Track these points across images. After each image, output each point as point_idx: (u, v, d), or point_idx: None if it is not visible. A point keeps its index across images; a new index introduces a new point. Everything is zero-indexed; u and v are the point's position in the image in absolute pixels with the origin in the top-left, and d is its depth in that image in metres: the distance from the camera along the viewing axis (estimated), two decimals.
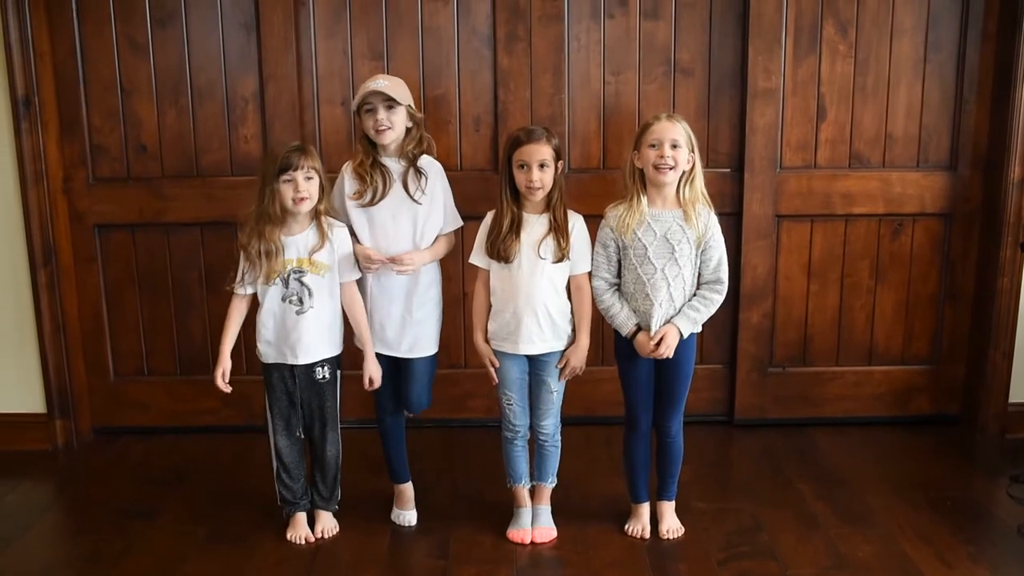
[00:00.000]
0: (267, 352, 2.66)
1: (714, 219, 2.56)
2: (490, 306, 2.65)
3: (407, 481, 2.86)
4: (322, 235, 2.58)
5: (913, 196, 3.41)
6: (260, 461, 2.94)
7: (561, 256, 2.55)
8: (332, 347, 2.68)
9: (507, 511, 2.78)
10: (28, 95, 3.22)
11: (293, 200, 2.51)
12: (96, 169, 3.39)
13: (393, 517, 2.85)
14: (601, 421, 3.42)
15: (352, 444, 3.01)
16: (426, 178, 2.64)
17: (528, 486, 2.75)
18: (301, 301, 2.60)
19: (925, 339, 3.55)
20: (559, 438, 2.72)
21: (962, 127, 3.37)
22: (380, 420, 2.81)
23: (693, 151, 2.51)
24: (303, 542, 2.71)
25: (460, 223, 2.74)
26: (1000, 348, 3.40)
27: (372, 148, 2.63)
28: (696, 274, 2.56)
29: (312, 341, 2.62)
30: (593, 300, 2.61)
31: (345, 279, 2.63)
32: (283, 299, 2.60)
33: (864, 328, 3.54)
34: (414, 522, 2.83)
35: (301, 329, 2.60)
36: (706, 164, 3.00)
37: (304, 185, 2.52)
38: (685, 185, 2.53)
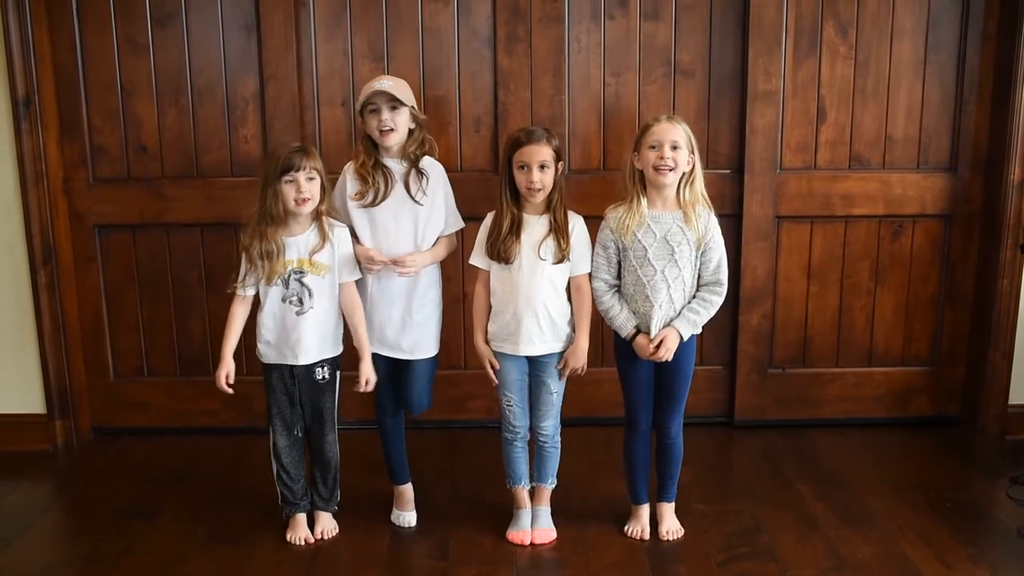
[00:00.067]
0: (267, 353, 2.66)
1: (714, 220, 2.56)
2: (490, 307, 2.65)
3: (407, 482, 2.86)
4: (323, 236, 2.58)
5: (913, 197, 3.41)
6: (260, 462, 2.94)
7: (561, 257, 2.55)
8: (332, 348, 2.68)
9: (507, 512, 2.78)
10: (28, 95, 3.23)
11: (295, 201, 2.52)
12: (96, 169, 3.39)
13: (393, 518, 2.85)
14: (601, 422, 3.42)
15: (352, 445, 3.02)
16: (428, 179, 2.64)
17: (528, 487, 2.75)
18: (301, 302, 2.60)
19: (925, 340, 3.55)
20: (559, 439, 2.72)
21: (962, 128, 3.37)
22: (380, 421, 2.81)
23: (693, 152, 2.51)
24: (303, 543, 2.71)
25: (461, 224, 2.74)
26: (1000, 349, 3.40)
27: (374, 149, 2.63)
28: (696, 276, 2.56)
29: (312, 342, 2.62)
30: (593, 301, 2.61)
31: (345, 279, 2.63)
32: (283, 300, 2.60)
33: (864, 329, 3.54)
34: (414, 523, 2.83)
35: (301, 330, 2.60)
36: (706, 165, 3.01)
37: (306, 186, 2.52)
38: (685, 186, 2.53)
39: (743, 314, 3.47)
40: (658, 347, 2.52)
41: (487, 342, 2.66)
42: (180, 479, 3.17)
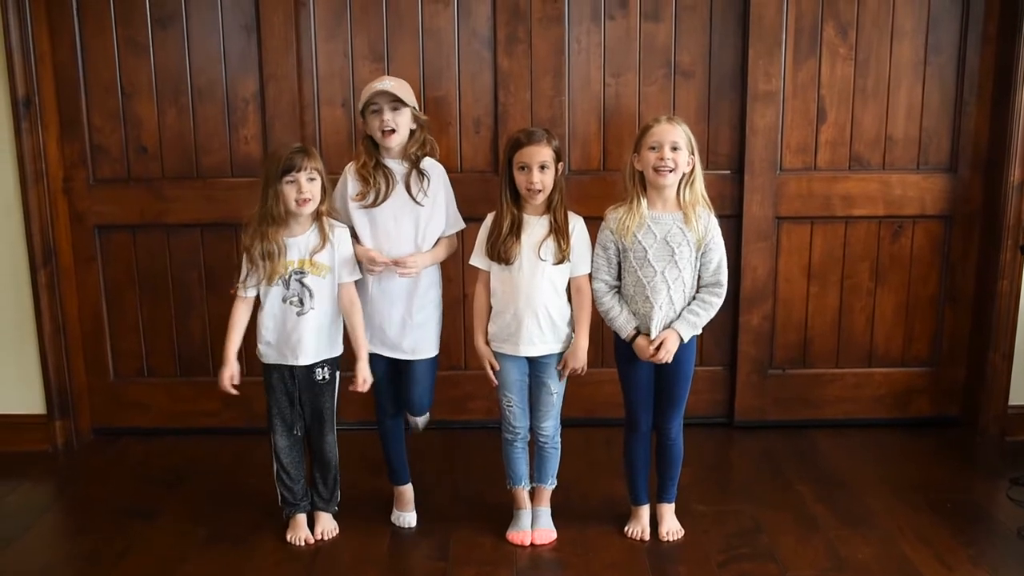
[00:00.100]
0: (267, 353, 2.66)
1: (714, 221, 2.56)
2: (490, 308, 2.65)
3: (407, 483, 2.86)
4: (323, 236, 2.58)
5: (913, 198, 3.41)
6: (260, 462, 2.94)
7: (561, 258, 2.55)
8: (332, 348, 2.68)
9: (507, 513, 2.77)
10: (28, 95, 3.23)
11: (296, 201, 2.52)
12: (96, 170, 3.39)
13: (393, 519, 2.85)
14: (601, 423, 3.42)
15: (352, 446, 3.02)
16: (429, 180, 2.64)
17: (528, 488, 2.75)
18: (302, 302, 2.60)
19: (925, 341, 3.55)
20: (559, 440, 2.72)
21: (962, 129, 3.37)
22: (380, 422, 2.81)
23: (693, 153, 2.51)
24: (303, 543, 2.71)
25: (462, 225, 2.74)
26: (1000, 350, 3.40)
27: (375, 149, 2.64)
28: (696, 277, 2.56)
29: (312, 342, 2.62)
30: (593, 302, 2.61)
31: (344, 280, 2.63)
32: (283, 300, 2.60)
33: (864, 330, 3.54)
34: (414, 524, 2.83)
35: (302, 330, 2.60)
36: (706, 166, 3.01)
37: (307, 186, 2.52)
38: (685, 187, 2.53)
39: (743, 315, 3.48)
40: (658, 349, 2.52)
41: (487, 343, 2.66)
42: (180, 479, 3.17)
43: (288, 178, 2.51)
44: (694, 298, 2.56)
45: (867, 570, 2.53)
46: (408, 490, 2.86)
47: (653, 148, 2.47)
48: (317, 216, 2.59)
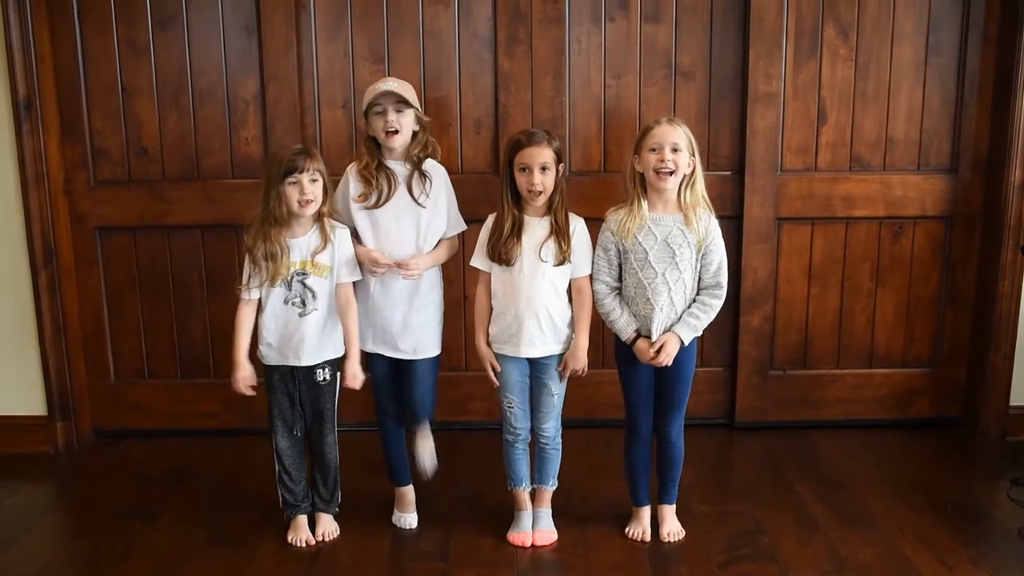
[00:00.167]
0: (269, 354, 2.66)
1: (715, 223, 2.56)
2: (491, 309, 2.65)
3: (408, 484, 2.86)
4: (324, 237, 2.59)
5: (914, 199, 3.41)
6: (260, 463, 2.94)
7: (562, 259, 2.55)
8: (334, 349, 2.68)
9: (508, 514, 2.77)
10: (29, 97, 3.23)
11: (299, 203, 2.52)
12: (97, 171, 3.39)
13: (394, 520, 2.85)
14: (602, 424, 3.42)
15: (353, 447, 3.02)
16: (430, 182, 2.64)
17: (529, 489, 2.75)
18: (304, 303, 2.60)
19: (926, 342, 3.55)
20: (560, 441, 2.72)
21: (963, 130, 3.37)
22: (381, 423, 2.80)
23: (694, 155, 2.51)
24: (304, 545, 2.71)
25: (463, 227, 2.74)
26: (1001, 351, 3.40)
27: (377, 150, 2.64)
28: (696, 278, 2.56)
29: (315, 343, 2.62)
30: (594, 303, 2.61)
31: (343, 280, 2.63)
32: (285, 301, 2.61)
33: (865, 331, 3.54)
34: (415, 525, 2.83)
35: (304, 331, 2.61)
36: (707, 167, 3.00)
37: (309, 188, 2.52)
38: (686, 189, 2.53)
39: (744, 316, 3.48)
40: (658, 352, 2.52)
41: (488, 344, 2.66)
42: (181, 481, 3.17)
43: (291, 179, 2.51)
44: (694, 300, 2.56)
45: (868, 571, 2.53)
46: (409, 491, 2.86)
47: (653, 150, 2.48)
48: (318, 217, 2.60)
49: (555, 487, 2.76)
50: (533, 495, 2.77)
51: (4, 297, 3.38)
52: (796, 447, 3.40)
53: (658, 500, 2.75)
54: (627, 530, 2.74)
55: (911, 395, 3.57)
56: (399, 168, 2.63)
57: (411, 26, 3.29)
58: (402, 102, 2.56)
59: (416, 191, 2.62)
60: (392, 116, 2.56)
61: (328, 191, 2.60)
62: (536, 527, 2.73)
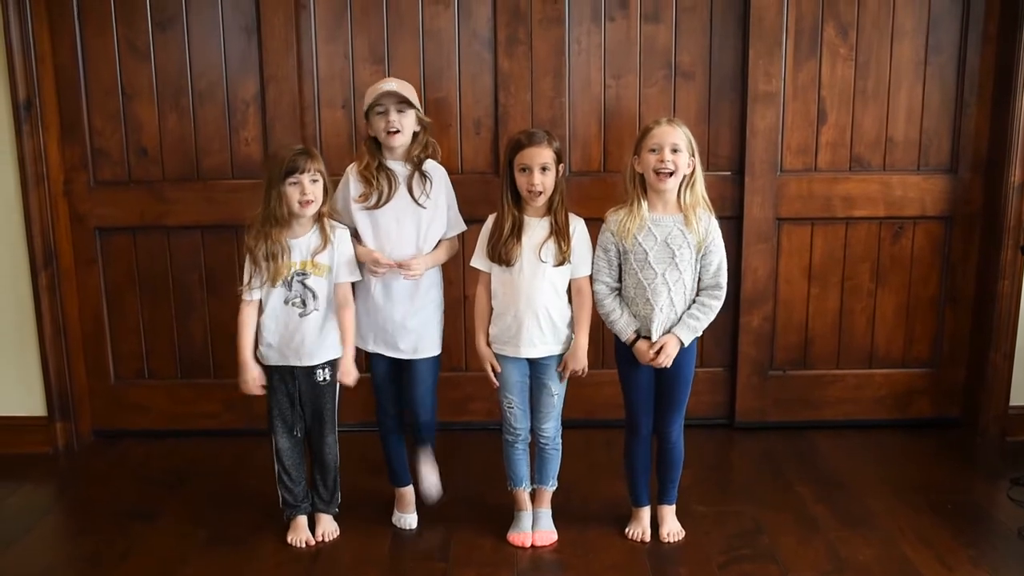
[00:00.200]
0: (268, 355, 2.66)
1: (714, 223, 2.56)
2: (491, 309, 2.65)
3: (408, 484, 2.86)
4: (324, 237, 2.59)
5: (914, 199, 3.41)
6: (260, 464, 2.94)
7: (562, 259, 2.55)
8: (334, 349, 2.67)
9: (507, 514, 2.78)
10: (29, 98, 3.23)
11: (299, 203, 2.52)
12: (97, 172, 3.39)
13: (394, 520, 2.85)
14: (602, 424, 3.42)
15: (353, 447, 3.02)
16: (431, 182, 2.64)
17: (529, 489, 2.75)
18: (304, 303, 2.60)
19: (926, 342, 3.55)
20: (560, 441, 2.72)
21: (963, 130, 3.37)
22: (381, 423, 2.80)
23: (693, 155, 2.51)
24: (304, 545, 2.71)
25: (463, 227, 2.74)
26: (1001, 351, 3.40)
27: (378, 151, 2.64)
28: (696, 279, 2.56)
29: (315, 343, 2.62)
30: (594, 304, 2.61)
31: (342, 279, 2.63)
32: (285, 302, 2.61)
33: (865, 331, 3.54)
34: (415, 525, 2.83)
35: (304, 331, 2.61)
36: (707, 167, 3.00)
37: (310, 188, 2.53)
38: (686, 189, 2.53)
39: (744, 316, 3.48)
40: (658, 353, 2.52)
41: (488, 344, 2.66)
42: (181, 481, 3.17)
43: (291, 180, 2.51)
44: (694, 302, 2.56)
45: (868, 571, 2.53)
46: (409, 491, 2.86)
47: (653, 150, 2.48)
48: (318, 217, 2.60)
49: (555, 487, 2.76)
50: (533, 495, 2.77)
51: (4, 297, 3.38)
52: (796, 447, 3.40)
53: (658, 500, 2.75)
54: (627, 530, 2.74)
55: (911, 395, 3.57)
56: (400, 168, 2.64)
57: (411, 26, 3.29)
58: (404, 102, 2.57)
59: (416, 192, 2.63)
60: (394, 116, 2.56)
61: (328, 191, 2.60)
62: (536, 527, 2.73)
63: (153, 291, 3.48)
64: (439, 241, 2.69)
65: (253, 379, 2.63)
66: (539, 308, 2.55)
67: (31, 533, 2.84)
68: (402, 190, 2.63)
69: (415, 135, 2.64)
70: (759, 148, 3.35)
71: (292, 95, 3.30)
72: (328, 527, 2.77)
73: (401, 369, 2.73)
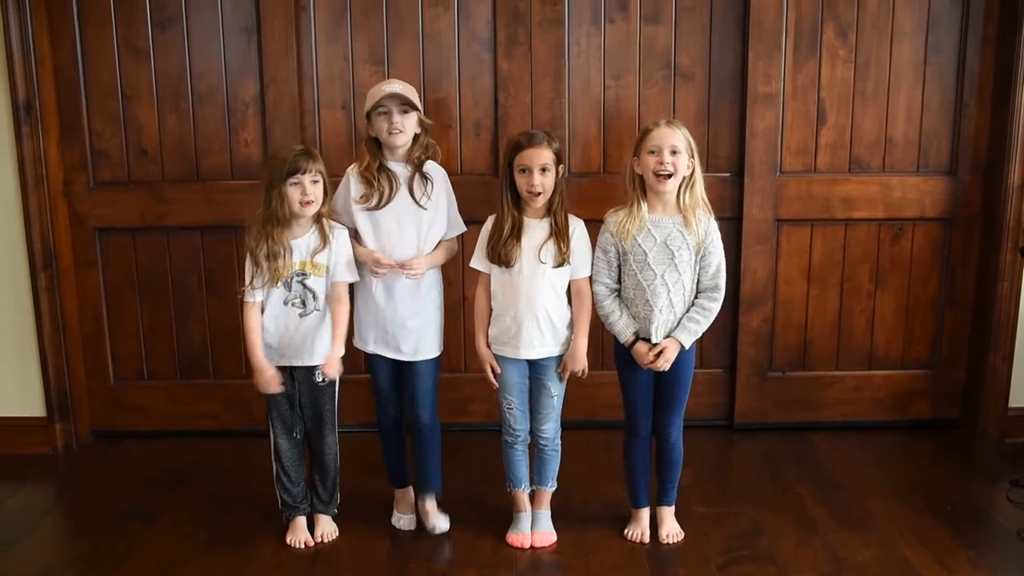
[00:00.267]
0: (268, 355, 2.65)
1: (714, 225, 2.56)
2: (491, 310, 2.65)
3: (408, 485, 2.86)
4: (324, 237, 2.59)
5: (913, 200, 3.41)
6: (260, 464, 2.94)
7: (562, 260, 2.55)
8: None
9: (507, 515, 2.78)
10: (29, 99, 3.23)
11: (300, 203, 2.53)
12: (97, 173, 3.39)
13: (393, 521, 2.85)
14: (601, 425, 3.43)
15: (352, 448, 3.02)
16: (432, 184, 2.65)
17: (528, 490, 2.75)
18: (304, 304, 2.61)
19: (925, 343, 3.55)
20: (559, 442, 2.72)
21: (962, 131, 3.37)
22: (381, 425, 2.81)
23: (693, 156, 2.51)
24: (302, 546, 2.71)
25: (463, 228, 2.74)
26: (1000, 352, 3.40)
27: (379, 151, 2.64)
28: (696, 280, 2.56)
29: (315, 343, 2.62)
30: (594, 305, 2.61)
31: (338, 279, 2.63)
32: (285, 302, 2.61)
33: (864, 332, 3.54)
34: (414, 526, 2.83)
35: (304, 331, 2.61)
36: (706, 168, 3.00)
37: (311, 188, 2.53)
38: (685, 191, 2.53)
39: (743, 317, 3.48)
40: (657, 356, 2.52)
41: (488, 345, 2.66)
42: (180, 482, 3.17)
43: (292, 180, 2.52)
44: (693, 304, 2.56)
45: (867, 572, 2.53)
46: (408, 493, 2.86)
47: (652, 152, 2.48)
48: (317, 218, 2.60)
49: (554, 488, 2.76)
50: (532, 496, 2.77)
51: (4, 298, 3.38)
52: (795, 449, 3.40)
53: (657, 502, 2.75)
54: (626, 532, 2.74)
55: (910, 397, 3.57)
56: (400, 170, 2.64)
57: (411, 28, 3.29)
58: (407, 104, 2.57)
59: (417, 193, 2.63)
60: (397, 118, 2.57)
61: (328, 192, 2.60)
62: (535, 528, 2.73)
63: (152, 292, 3.48)
64: (439, 242, 2.69)
65: (272, 378, 2.61)
66: (539, 309, 2.56)
67: (31, 534, 2.84)
68: (403, 191, 2.63)
69: (416, 137, 2.64)
70: (758, 149, 3.35)
71: (292, 96, 3.30)
72: (327, 528, 2.77)
73: (401, 370, 2.73)
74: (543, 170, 2.50)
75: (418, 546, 2.73)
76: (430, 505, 2.79)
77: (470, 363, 3.42)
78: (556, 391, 2.65)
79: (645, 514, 2.75)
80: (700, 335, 2.57)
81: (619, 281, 2.60)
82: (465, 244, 2.93)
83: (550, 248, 2.55)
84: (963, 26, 3.30)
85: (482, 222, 2.66)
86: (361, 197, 2.64)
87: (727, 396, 3.59)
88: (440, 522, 2.77)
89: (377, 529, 2.82)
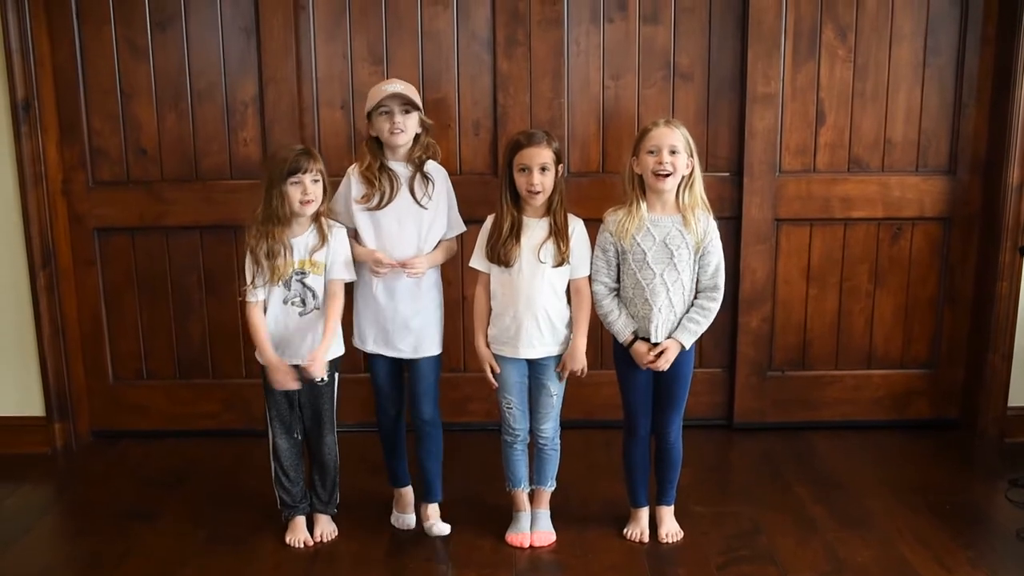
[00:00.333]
0: None
1: (713, 224, 2.56)
2: (490, 310, 2.65)
3: (407, 485, 2.86)
4: (322, 236, 2.59)
5: (912, 200, 3.41)
6: (260, 464, 2.94)
7: (561, 260, 2.55)
8: (333, 349, 2.67)
9: (506, 515, 2.78)
10: (28, 98, 3.23)
11: (300, 202, 2.53)
12: (96, 172, 3.39)
13: (393, 521, 2.85)
14: (600, 425, 3.43)
15: (352, 448, 3.02)
16: (433, 184, 2.65)
17: (527, 490, 2.75)
18: (304, 302, 2.61)
19: (924, 343, 3.56)
20: (559, 442, 2.72)
21: (961, 131, 3.38)
22: (380, 424, 2.81)
23: (692, 156, 2.51)
24: (302, 545, 2.72)
25: (463, 228, 2.75)
26: (999, 352, 3.40)
27: (379, 151, 2.64)
28: (695, 279, 2.56)
29: (315, 342, 2.62)
30: (593, 304, 2.61)
31: (335, 276, 2.63)
32: (285, 301, 2.61)
33: (863, 332, 3.54)
34: (413, 525, 2.83)
35: (304, 330, 2.62)
36: (705, 168, 3.00)
37: (312, 188, 2.53)
38: (684, 190, 2.53)
39: (742, 316, 3.48)
40: (658, 356, 2.52)
41: (487, 345, 2.66)
42: (180, 481, 3.17)
43: (293, 179, 2.52)
44: (692, 304, 2.56)
45: (866, 572, 2.53)
46: (408, 492, 2.86)
47: (651, 152, 2.48)
48: (316, 216, 2.60)
49: (554, 488, 2.76)
50: (532, 496, 2.77)
51: (3, 298, 3.38)
52: (794, 448, 3.40)
53: (656, 501, 2.75)
54: (625, 531, 2.74)
55: (909, 396, 3.57)
56: (401, 170, 2.64)
57: (410, 27, 3.29)
58: (409, 104, 2.57)
59: (418, 193, 2.63)
60: (399, 118, 2.57)
61: (327, 191, 2.60)
62: (535, 528, 2.73)
63: (152, 291, 3.48)
64: (438, 242, 2.69)
65: (286, 373, 2.58)
66: (538, 309, 2.56)
67: (29, 534, 2.83)
68: (404, 191, 2.63)
69: (417, 136, 2.64)
70: (758, 149, 3.35)
71: (291, 96, 3.30)
72: (326, 528, 2.77)
73: (401, 370, 2.73)
74: (542, 169, 2.50)
75: (418, 546, 2.73)
76: (432, 511, 2.79)
77: (469, 363, 3.42)
78: (555, 390, 2.65)
79: (644, 514, 2.75)
80: (700, 335, 2.57)
81: (618, 280, 2.60)
82: (464, 244, 2.93)
83: (549, 247, 2.55)
84: (962, 26, 3.30)
85: (481, 222, 2.66)
86: (362, 197, 2.64)
87: (726, 396, 3.59)
88: (441, 528, 2.77)
89: (377, 529, 2.82)
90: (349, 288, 2.69)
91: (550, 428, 2.68)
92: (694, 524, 2.80)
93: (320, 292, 2.61)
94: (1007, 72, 3.24)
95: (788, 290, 3.49)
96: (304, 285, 2.60)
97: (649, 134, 2.49)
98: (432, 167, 2.67)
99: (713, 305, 2.56)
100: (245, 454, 3.34)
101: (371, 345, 2.70)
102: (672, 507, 2.76)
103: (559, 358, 2.63)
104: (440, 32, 3.30)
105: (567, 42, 3.30)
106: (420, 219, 2.64)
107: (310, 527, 2.76)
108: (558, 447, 2.72)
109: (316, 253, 2.60)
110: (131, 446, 3.49)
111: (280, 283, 2.59)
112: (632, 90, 3.35)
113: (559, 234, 2.54)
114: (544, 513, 2.76)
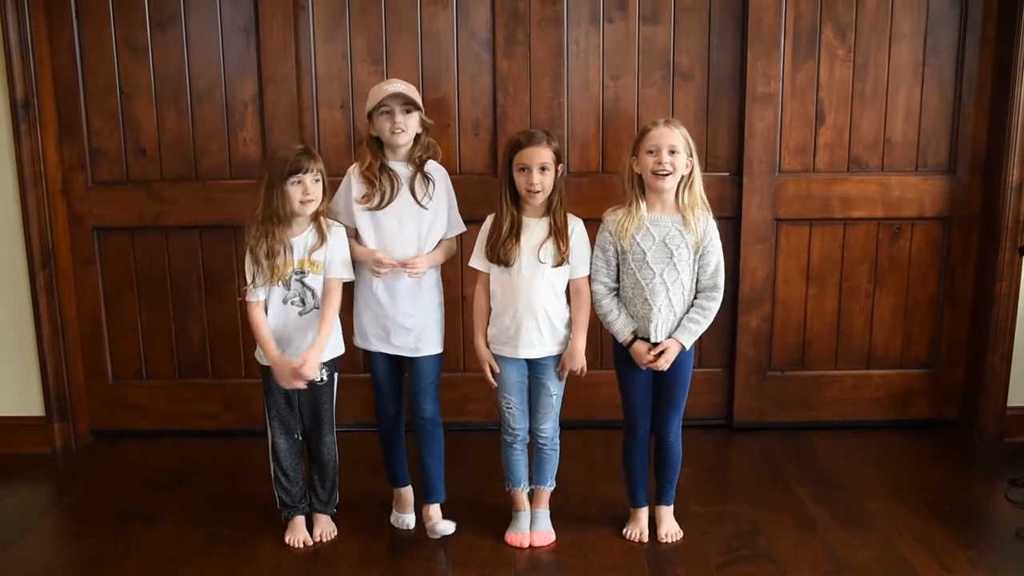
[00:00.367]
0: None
1: (712, 224, 2.56)
2: (490, 310, 2.65)
3: (407, 485, 2.86)
4: (321, 235, 2.59)
5: (912, 200, 3.41)
6: (259, 464, 2.94)
7: (561, 260, 2.55)
8: (332, 349, 2.67)
9: (506, 515, 2.78)
10: (27, 98, 3.23)
11: (300, 202, 2.53)
12: (95, 172, 3.39)
13: (392, 520, 2.85)
14: (600, 425, 3.43)
15: (351, 447, 3.02)
16: (433, 184, 2.64)
17: (527, 490, 2.75)
18: (303, 302, 2.61)
19: (924, 343, 3.56)
20: (558, 442, 2.72)
21: (961, 131, 3.38)
22: (380, 424, 2.80)
23: (691, 156, 2.51)
24: (301, 545, 2.71)
25: (463, 228, 2.74)
26: (999, 352, 3.40)
27: (380, 151, 2.64)
28: (695, 279, 2.56)
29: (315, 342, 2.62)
30: (592, 304, 2.61)
31: (333, 275, 2.63)
32: (284, 301, 2.61)
33: (863, 332, 3.54)
34: (413, 525, 2.83)
35: (304, 329, 2.61)
36: (705, 168, 2.99)
37: (312, 188, 2.54)
38: (684, 190, 2.53)
39: (742, 316, 3.48)
40: (658, 356, 2.52)
41: (487, 345, 2.66)
42: (179, 482, 3.17)
43: (294, 179, 2.52)
44: (692, 304, 2.56)
45: (866, 572, 2.53)
46: (408, 492, 2.86)
47: (651, 152, 2.48)
48: (315, 216, 2.60)
49: (553, 488, 2.76)
50: (531, 496, 2.77)
51: (2, 298, 3.38)
52: (794, 448, 3.40)
53: (656, 501, 2.75)
54: (625, 531, 2.74)
55: (909, 396, 3.57)
56: (402, 170, 2.64)
57: (409, 27, 3.29)
58: (409, 103, 2.57)
59: (419, 193, 2.63)
60: (400, 118, 2.57)
61: (327, 191, 2.60)
62: (534, 528, 2.73)
63: (151, 291, 3.48)
64: (438, 242, 2.69)
65: (293, 371, 2.57)
66: (538, 309, 2.56)
67: (29, 534, 2.83)
68: (404, 191, 2.63)
69: (417, 136, 2.64)
70: (757, 149, 3.35)
71: (290, 95, 3.30)
72: (326, 527, 2.77)
73: (401, 369, 2.73)
74: (542, 169, 2.50)
75: (418, 546, 2.73)
76: (434, 511, 2.79)
77: (469, 362, 3.41)
78: (555, 390, 2.65)
79: (644, 513, 2.75)
80: (700, 335, 2.57)
81: (618, 280, 2.60)
82: (464, 243, 2.93)
83: (549, 247, 2.55)
84: (962, 26, 3.30)
85: (481, 221, 2.66)
86: (363, 197, 2.64)
87: (726, 395, 3.59)
88: (444, 527, 2.77)
89: (376, 529, 2.82)
90: (349, 288, 2.69)
91: (550, 428, 2.68)
92: (694, 524, 2.80)
93: (319, 291, 2.61)
94: (1007, 72, 3.24)
95: (788, 290, 3.49)
96: (303, 284, 2.60)
97: (648, 134, 2.49)
98: (432, 167, 2.67)
99: (713, 305, 2.56)
100: (245, 454, 3.34)
101: (372, 343, 2.70)
102: (672, 507, 2.76)
103: (559, 358, 2.63)
104: (440, 32, 3.30)
105: (567, 42, 3.30)
106: (421, 219, 2.63)
107: (310, 527, 2.76)
108: (557, 447, 2.72)
109: (315, 252, 2.60)
110: (131, 446, 3.49)
111: (280, 283, 2.59)
112: (632, 90, 3.35)
113: (559, 234, 2.54)
114: (544, 513, 2.76)
